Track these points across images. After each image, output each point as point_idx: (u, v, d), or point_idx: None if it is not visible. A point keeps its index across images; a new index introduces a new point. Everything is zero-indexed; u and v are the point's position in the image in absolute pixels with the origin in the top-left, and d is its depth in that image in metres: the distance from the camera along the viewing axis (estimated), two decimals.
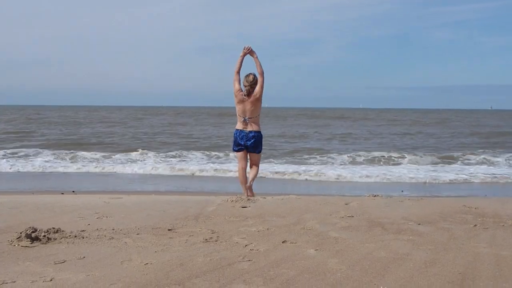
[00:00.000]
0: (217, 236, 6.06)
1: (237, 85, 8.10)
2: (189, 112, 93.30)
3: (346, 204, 8.40)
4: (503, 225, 6.95)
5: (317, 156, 22.18)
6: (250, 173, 8.60)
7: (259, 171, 9.00)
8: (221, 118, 62.53)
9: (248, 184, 8.53)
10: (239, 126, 8.24)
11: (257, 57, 8.16)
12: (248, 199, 8.49)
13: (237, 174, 8.85)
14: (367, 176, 16.42)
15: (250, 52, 8.14)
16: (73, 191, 11.66)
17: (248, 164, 8.66)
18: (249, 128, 8.17)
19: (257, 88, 8.05)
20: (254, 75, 8.09)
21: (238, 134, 8.25)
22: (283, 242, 5.82)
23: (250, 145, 8.25)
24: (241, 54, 8.15)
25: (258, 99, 8.10)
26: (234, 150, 8.47)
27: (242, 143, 8.24)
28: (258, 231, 6.40)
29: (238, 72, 8.16)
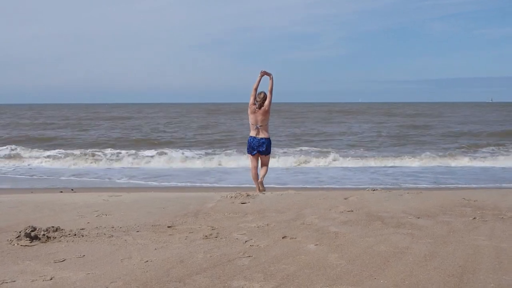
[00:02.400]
0: (217, 233, 6.06)
1: (252, 100, 9.78)
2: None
3: (345, 198, 8.41)
4: (502, 218, 6.95)
5: None
6: (261, 171, 9.98)
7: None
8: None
9: (260, 179, 9.88)
10: (252, 133, 9.87)
11: (272, 77, 9.80)
12: (262, 192, 9.04)
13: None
14: None
15: (267, 73, 9.82)
16: (72, 189, 11.63)
17: (259, 164, 10.09)
18: (260, 135, 9.82)
19: (266, 102, 9.72)
20: (264, 93, 9.82)
21: (252, 140, 9.84)
22: (283, 237, 5.82)
23: (262, 149, 9.83)
24: (259, 75, 9.84)
25: (267, 111, 9.78)
26: (249, 153, 10.00)
27: (256, 148, 9.83)
28: (258, 227, 6.40)
29: (256, 89, 9.85)
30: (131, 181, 14.23)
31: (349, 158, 19.34)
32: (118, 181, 14.35)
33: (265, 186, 10.10)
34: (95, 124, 44.47)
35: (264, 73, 9.86)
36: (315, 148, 22.13)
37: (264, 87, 9.99)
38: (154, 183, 13.72)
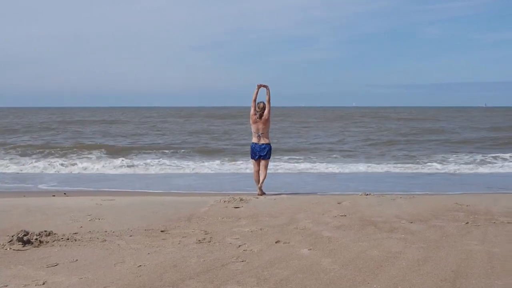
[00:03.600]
0: (210, 237, 6.06)
1: (252, 110, 10.66)
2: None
3: (338, 203, 8.44)
4: (494, 222, 6.99)
5: None
6: (261, 176, 10.75)
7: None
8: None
9: (260, 185, 10.64)
10: (254, 140, 10.76)
11: (269, 89, 10.70)
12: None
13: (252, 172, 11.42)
14: None
15: (263, 86, 10.70)
16: (65, 193, 11.58)
17: (260, 168, 10.86)
18: (261, 142, 10.72)
19: (265, 112, 10.62)
20: (264, 103, 10.67)
21: (254, 146, 10.77)
22: (276, 242, 5.83)
23: (263, 154, 10.74)
24: (256, 88, 10.71)
25: (267, 120, 10.69)
26: (252, 158, 10.89)
27: (258, 152, 10.73)
28: (251, 231, 6.41)
29: (255, 100, 10.70)
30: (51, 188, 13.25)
31: (301, 162, 18.58)
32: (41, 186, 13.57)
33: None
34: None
35: (261, 86, 10.74)
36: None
37: (262, 97, 10.79)
38: (82, 188, 13.01)
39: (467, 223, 6.93)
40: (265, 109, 10.62)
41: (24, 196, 10.81)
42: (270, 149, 10.80)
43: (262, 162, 10.78)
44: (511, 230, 6.54)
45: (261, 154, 10.71)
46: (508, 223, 6.99)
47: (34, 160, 19.65)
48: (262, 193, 10.49)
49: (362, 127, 43.60)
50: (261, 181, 10.70)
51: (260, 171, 10.81)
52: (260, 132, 10.69)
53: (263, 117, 10.60)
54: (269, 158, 10.88)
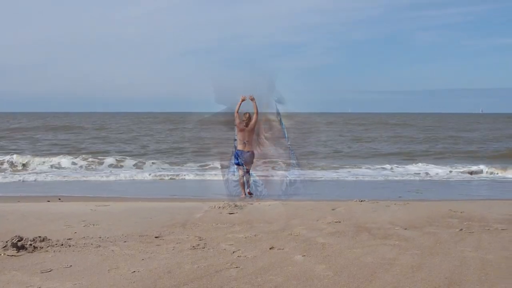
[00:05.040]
0: (205, 243, 6.06)
1: (237, 120, 11.54)
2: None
3: (333, 209, 8.45)
4: (488, 229, 7.01)
5: None
6: (248, 180, 11.54)
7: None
8: None
9: (248, 188, 11.55)
10: (240, 147, 11.56)
11: (255, 101, 11.59)
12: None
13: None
14: None
15: (250, 98, 11.62)
16: (59, 199, 11.54)
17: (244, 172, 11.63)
18: (246, 148, 11.54)
19: (252, 122, 11.56)
20: (249, 114, 11.64)
21: (240, 153, 11.56)
22: (270, 248, 5.83)
23: (249, 160, 11.57)
24: (240, 100, 11.59)
25: (253, 129, 11.60)
26: (236, 164, 11.65)
27: (243, 159, 11.50)
28: (246, 237, 6.41)
29: (237, 112, 11.60)
30: None
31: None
32: None
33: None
34: None
35: (245, 98, 11.64)
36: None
37: (249, 108, 11.66)
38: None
39: (461, 229, 6.95)
40: (251, 119, 11.54)
41: (19, 201, 10.77)
42: (253, 154, 11.68)
43: (247, 167, 11.59)
44: (505, 237, 6.57)
45: (247, 160, 11.52)
46: (502, 230, 7.02)
47: None
48: (250, 194, 11.42)
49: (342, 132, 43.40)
50: (248, 184, 11.56)
51: (246, 175, 11.57)
52: (246, 139, 11.55)
53: (249, 126, 11.51)
54: (252, 163, 11.72)
